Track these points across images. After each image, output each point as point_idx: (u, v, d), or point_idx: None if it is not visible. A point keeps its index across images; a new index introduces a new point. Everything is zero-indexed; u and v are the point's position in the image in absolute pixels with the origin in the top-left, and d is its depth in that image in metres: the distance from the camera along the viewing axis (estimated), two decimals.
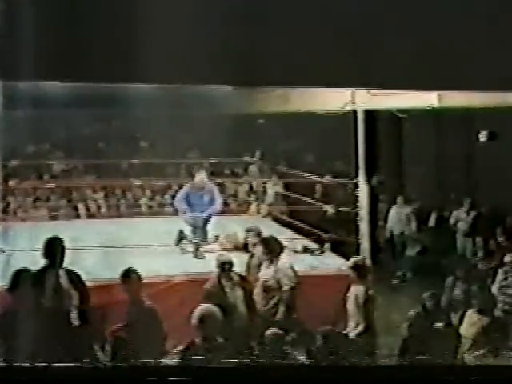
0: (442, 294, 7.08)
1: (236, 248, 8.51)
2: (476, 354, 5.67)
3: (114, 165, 11.84)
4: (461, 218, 9.70)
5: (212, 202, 8.62)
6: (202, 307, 5.16)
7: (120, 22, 4.13)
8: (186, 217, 8.60)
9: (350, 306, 6.15)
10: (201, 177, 8.76)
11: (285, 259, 6.88)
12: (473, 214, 9.61)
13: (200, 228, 8.50)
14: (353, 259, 6.38)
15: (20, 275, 5.71)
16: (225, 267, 6.54)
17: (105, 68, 4.25)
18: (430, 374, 2.98)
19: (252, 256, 7.22)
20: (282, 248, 6.89)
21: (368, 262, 8.11)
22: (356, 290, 6.15)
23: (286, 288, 6.57)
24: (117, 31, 4.13)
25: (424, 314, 6.32)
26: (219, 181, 11.92)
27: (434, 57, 4.45)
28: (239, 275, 6.63)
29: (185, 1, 4.28)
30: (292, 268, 6.82)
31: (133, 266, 6.06)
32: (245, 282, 6.61)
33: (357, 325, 6.07)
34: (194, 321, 4.98)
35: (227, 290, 6.43)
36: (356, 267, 6.21)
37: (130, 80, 4.51)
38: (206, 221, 8.60)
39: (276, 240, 6.92)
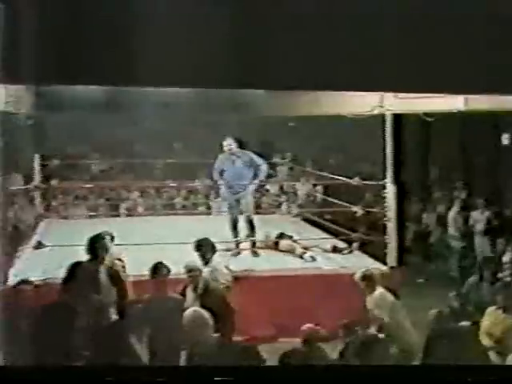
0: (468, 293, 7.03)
1: (267, 247, 8.60)
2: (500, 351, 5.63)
3: (150, 165, 11.97)
4: (478, 218, 9.65)
5: (251, 167, 8.14)
6: (190, 310, 5.10)
7: (126, 24, 4.03)
8: (221, 191, 8.38)
9: (372, 306, 6.14)
10: (227, 143, 8.20)
11: (218, 259, 6.65)
12: (487, 213, 9.56)
13: (234, 201, 8.15)
14: (360, 271, 6.32)
15: (76, 268, 5.83)
16: (191, 274, 6.12)
17: (113, 71, 4.13)
18: (431, 374, 2.94)
19: None
20: (214, 249, 6.61)
21: (394, 261, 8.14)
22: (379, 292, 6.15)
23: (222, 287, 6.33)
24: (122, 34, 4.03)
25: (449, 313, 6.29)
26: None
27: (461, 60, 4.44)
28: (205, 287, 6.09)
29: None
30: (227, 267, 6.73)
31: (169, 262, 6.14)
32: (208, 296, 5.98)
33: (380, 325, 6.06)
34: (184, 324, 4.93)
35: (188, 300, 5.92)
36: (364, 278, 6.20)
37: (135, 83, 4.45)
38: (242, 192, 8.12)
39: (209, 241, 6.63)
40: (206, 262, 6.39)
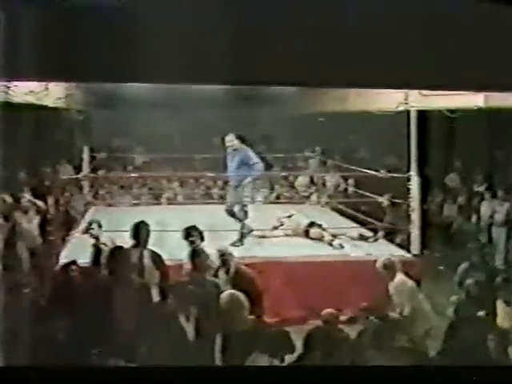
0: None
1: (297, 234, 8.64)
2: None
3: (188, 158, 12.06)
4: (497, 209, 9.55)
5: (246, 165, 7.98)
6: (227, 293, 5.05)
7: (127, 21, 3.91)
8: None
9: (394, 292, 6.13)
10: (228, 139, 8.07)
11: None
12: (506, 205, 9.47)
13: (235, 190, 8.05)
14: (381, 260, 6.29)
15: (115, 251, 5.93)
16: (223, 258, 6.07)
17: (114, 68, 4.02)
18: (432, 374, 2.87)
19: None
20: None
21: (417, 249, 8.12)
22: (399, 279, 6.14)
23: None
24: (121, 32, 3.92)
25: (467, 301, 6.21)
26: (283, 174, 12.11)
27: (481, 60, 4.41)
28: (237, 271, 6.05)
29: None
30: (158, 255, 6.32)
31: (207, 247, 6.22)
32: (239, 278, 5.93)
33: (401, 309, 6.05)
34: (221, 305, 4.90)
35: (220, 283, 5.81)
36: (385, 266, 6.19)
37: (133, 79, 4.36)
38: (240, 184, 7.98)
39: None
40: (144, 246, 6.18)
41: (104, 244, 6.52)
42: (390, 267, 6.11)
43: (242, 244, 7.88)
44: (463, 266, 7.16)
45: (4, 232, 7.94)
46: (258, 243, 8.19)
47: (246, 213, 8.07)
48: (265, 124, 11.52)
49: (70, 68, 4.01)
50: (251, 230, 8.18)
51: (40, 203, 8.79)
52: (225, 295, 5.03)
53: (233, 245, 7.61)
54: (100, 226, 6.86)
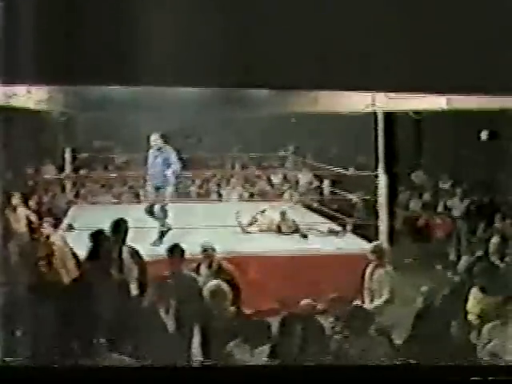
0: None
1: (270, 229, 8.66)
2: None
3: None
4: (455, 205, 9.76)
5: (168, 165, 7.77)
6: (213, 283, 5.05)
7: (125, 23, 3.67)
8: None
9: (373, 282, 6.16)
10: (154, 138, 7.94)
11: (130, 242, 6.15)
12: (466, 201, 9.67)
13: (155, 189, 7.90)
14: (373, 244, 6.38)
15: (98, 237, 5.81)
16: (207, 253, 6.07)
17: (106, 70, 3.92)
18: (429, 374, 2.84)
19: None
20: (126, 231, 6.09)
21: (385, 243, 8.17)
22: (378, 269, 6.18)
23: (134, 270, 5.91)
24: (119, 33, 3.77)
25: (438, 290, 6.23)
26: (258, 172, 12.12)
27: (445, 63, 4.43)
28: (219, 265, 6.03)
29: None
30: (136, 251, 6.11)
31: (185, 243, 6.18)
32: (223, 272, 5.90)
33: (374, 298, 6.08)
34: (205, 295, 4.91)
35: (200, 278, 5.75)
36: (375, 250, 6.25)
37: (132, 82, 4.30)
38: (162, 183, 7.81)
39: (122, 222, 6.14)
40: (116, 241, 5.99)
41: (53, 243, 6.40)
42: (379, 253, 6.18)
43: (162, 243, 7.43)
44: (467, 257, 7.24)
45: None
46: (235, 239, 8.18)
47: (166, 212, 7.82)
48: (239, 125, 11.49)
49: (53, 72, 3.92)
50: (169, 229, 7.78)
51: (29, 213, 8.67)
52: (211, 285, 5.00)
53: (153, 244, 7.41)
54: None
